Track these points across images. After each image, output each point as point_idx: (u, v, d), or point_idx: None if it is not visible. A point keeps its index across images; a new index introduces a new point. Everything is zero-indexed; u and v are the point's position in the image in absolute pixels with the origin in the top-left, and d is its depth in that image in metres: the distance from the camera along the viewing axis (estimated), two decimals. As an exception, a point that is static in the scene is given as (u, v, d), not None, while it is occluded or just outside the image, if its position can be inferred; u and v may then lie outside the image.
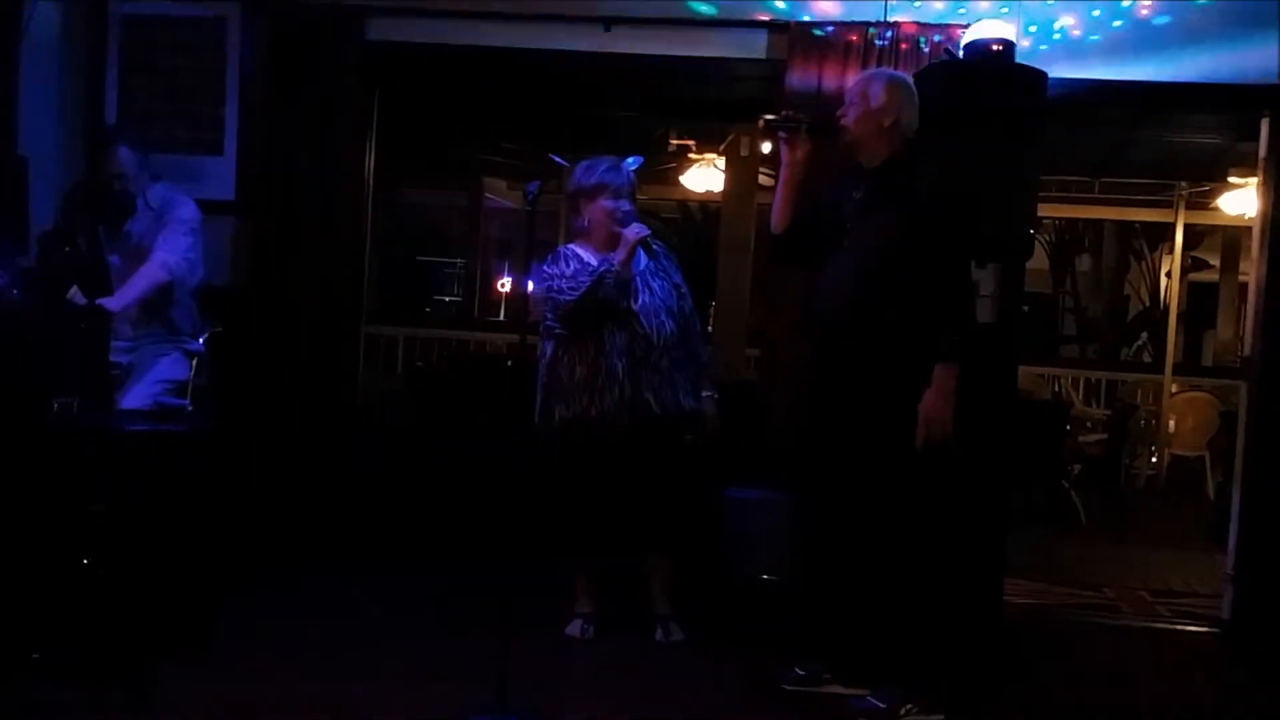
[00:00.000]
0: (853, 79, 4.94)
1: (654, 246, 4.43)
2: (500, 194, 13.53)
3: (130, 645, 3.66)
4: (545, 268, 4.37)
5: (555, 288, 4.28)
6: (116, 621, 3.67)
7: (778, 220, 4.06)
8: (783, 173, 4.03)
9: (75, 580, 3.64)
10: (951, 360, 3.68)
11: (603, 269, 4.22)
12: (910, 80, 4.00)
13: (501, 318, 13.87)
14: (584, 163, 4.43)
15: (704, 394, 4.43)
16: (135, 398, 4.44)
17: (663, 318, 4.30)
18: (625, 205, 4.33)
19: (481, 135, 9.87)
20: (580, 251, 4.36)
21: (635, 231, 4.27)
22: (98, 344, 4.04)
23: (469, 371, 7.61)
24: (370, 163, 5.54)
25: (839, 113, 3.95)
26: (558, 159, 8.89)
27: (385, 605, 4.68)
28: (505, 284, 14.61)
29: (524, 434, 4.27)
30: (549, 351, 4.35)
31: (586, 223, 4.38)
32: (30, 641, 3.56)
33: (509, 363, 7.45)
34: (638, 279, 4.30)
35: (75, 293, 4.19)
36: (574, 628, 4.37)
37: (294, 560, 5.00)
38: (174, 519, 3.86)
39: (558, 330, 4.32)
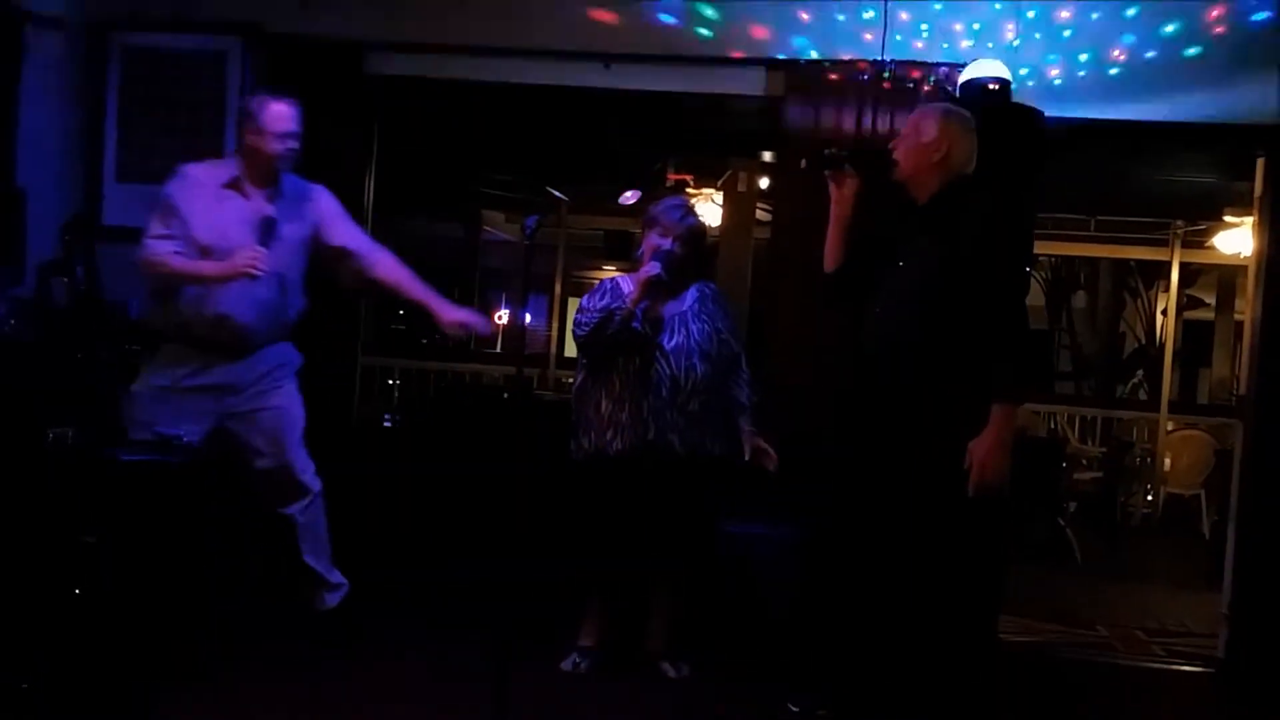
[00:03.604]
0: (849, 116, 5.01)
1: (705, 290, 4.43)
2: (498, 226, 13.54)
3: (123, 675, 3.63)
4: (583, 299, 4.43)
5: (577, 320, 4.32)
6: (109, 651, 3.64)
7: (829, 259, 3.99)
8: (832, 210, 3.96)
9: (67, 610, 3.61)
10: (1010, 400, 3.57)
11: (613, 305, 4.25)
12: (966, 115, 3.89)
13: (498, 349, 13.85)
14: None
15: (744, 429, 4.38)
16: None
17: (694, 360, 4.27)
18: (666, 244, 4.31)
19: (480, 168, 9.90)
20: (622, 283, 4.40)
21: (645, 270, 4.26)
22: (95, 374, 4.03)
23: (466, 402, 7.59)
24: (369, 195, 5.56)
25: (891, 146, 3.94)
26: (556, 192, 8.93)
27: (380, 634, 4.64)
28: (502, 316, 14.61)
29: (528, 461, 4.25)
30: (579, 382, 4.40)
31: (641, 253, 4.43)
32: (20, 671, 3.51)
33: (505, 395, 7.44)
34: (675, 319, 4.31)
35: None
36: (567, 662, 4.35)
37: (290, 590, 4.96)
38: (168, 548, 3.84)
39: (584, 361, 4.38)
